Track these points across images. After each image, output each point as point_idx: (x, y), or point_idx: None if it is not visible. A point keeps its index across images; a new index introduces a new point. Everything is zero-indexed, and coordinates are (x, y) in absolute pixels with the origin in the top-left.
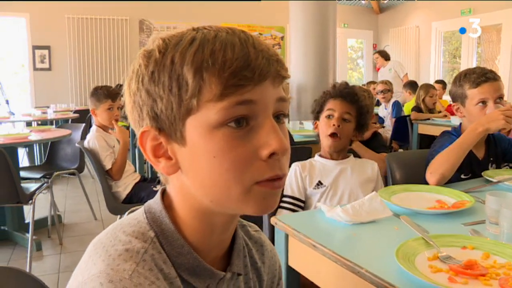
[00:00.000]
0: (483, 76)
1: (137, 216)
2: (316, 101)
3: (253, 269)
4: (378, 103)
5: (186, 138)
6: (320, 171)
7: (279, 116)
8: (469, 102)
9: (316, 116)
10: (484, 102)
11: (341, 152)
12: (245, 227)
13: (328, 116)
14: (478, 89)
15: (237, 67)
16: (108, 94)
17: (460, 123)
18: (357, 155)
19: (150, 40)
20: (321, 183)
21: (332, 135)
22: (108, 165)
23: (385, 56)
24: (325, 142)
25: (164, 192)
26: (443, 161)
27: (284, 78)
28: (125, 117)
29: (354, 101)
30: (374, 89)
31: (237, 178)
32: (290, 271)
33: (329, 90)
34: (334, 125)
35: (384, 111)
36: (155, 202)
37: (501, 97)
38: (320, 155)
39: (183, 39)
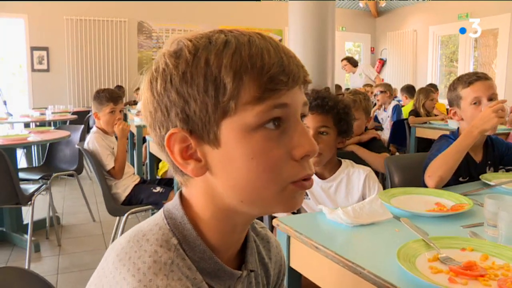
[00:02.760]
0: (474, 76)
1: (157, 221)
2: None
3: (261, 264)
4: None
5: (221, 140)
6: None
7: (301, 118)
8: (463, 103)
9: None
10: (478, 102)
11: (327, 165)
12: (252, 224)
13: None
14: (470, 88)
15: (274, 72)
16: (110, 97)
17: (458, 127)
18: (355, 157)
19: (169, 41)
20: (307, 195)
21: None
22: (110, 164)
23: (354, 63)
24: None
25: (181, 195)
26: (441, 164)
27: (308, 83)
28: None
29: (328, 111)
30: (368, 91)
31: (274, 178)
32: (292, 272)
33: None
34: None
35: (383, 113)
36: (174, 208)
37: (493, 96)
38: None
39: (213, 41)
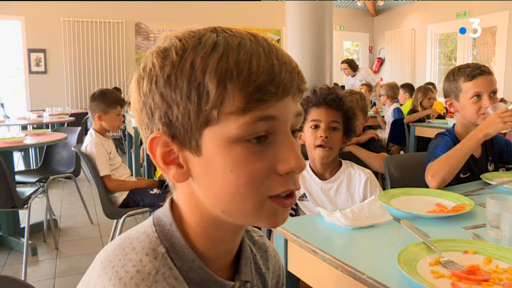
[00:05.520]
0: (478, 69)
1: (146, 229)
2: None
3: (258, 275)
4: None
5: (202, 148)
6: (305, 184)
7: (294, 131)
8: (463, 96)
9: None
10: (478, 96)
11: (329, 165)
12: (249, 233)
13: (314, 127)
14: (473, 82)
15: (262, 81)
16: (117, 100)
17: (454, 124)
18: (353, 158)
19: (162, 37)
20: (306, 197)
21: (321, 146)
22: (102, 172)
23: (354, 67)
24: (315, 154)
25: (172, 202)
26: (444, 165)
27: (303, 92)
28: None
29: (340, 107)
30: (365, 92)
31: (252, 192)
32: (290, 276)
33: (310, 97)
34: (321, 136)
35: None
36: (164, 214)
37: (494, 92)
38: (310, 166)
39: (202, 42)
